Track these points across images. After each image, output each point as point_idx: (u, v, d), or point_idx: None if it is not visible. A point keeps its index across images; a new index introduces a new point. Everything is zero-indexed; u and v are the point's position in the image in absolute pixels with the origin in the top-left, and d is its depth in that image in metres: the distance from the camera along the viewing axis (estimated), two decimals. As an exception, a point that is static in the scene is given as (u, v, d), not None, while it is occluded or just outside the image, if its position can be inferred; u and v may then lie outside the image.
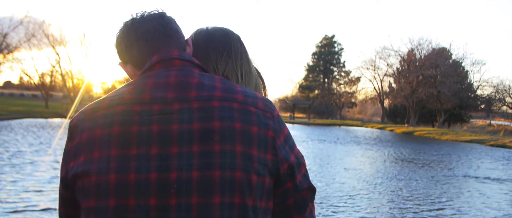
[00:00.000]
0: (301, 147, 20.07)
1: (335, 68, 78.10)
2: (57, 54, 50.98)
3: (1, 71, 64.49)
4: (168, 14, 1.26)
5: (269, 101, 1.20)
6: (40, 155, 13.71)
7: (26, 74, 57.45)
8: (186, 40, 1.29)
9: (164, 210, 1.01)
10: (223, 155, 1.05)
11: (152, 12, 1.24)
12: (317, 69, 78.21)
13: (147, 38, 1.20)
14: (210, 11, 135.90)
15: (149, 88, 1.11)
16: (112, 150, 1.05)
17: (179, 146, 1.04)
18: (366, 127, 48.19)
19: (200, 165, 1.03)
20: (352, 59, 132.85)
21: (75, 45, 57.94)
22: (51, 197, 8.14)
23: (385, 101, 60.57)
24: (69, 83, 52.11)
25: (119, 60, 1.29)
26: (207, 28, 1.36)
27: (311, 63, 78.99)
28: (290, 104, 63.81)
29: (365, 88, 64.76)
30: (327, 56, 77.24)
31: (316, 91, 74.70)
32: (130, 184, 1.02)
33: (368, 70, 60.89)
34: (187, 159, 1.03)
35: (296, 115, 67.14)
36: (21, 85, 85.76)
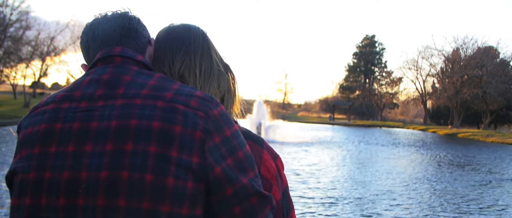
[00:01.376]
0: (338, 150, 19.84)
1: (376, 69, 77.00)
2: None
3: (49, 73, 66.89)
4: (132, 13, 1.24)
5: (209, 100, 1.09)
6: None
7: (72, 76, 59.52)
8: (150, 39, 1.27)
9: (71, 211, 0.98)
10: (134, 155, 0.98)
11: (115, 12, 1.23)
12: (357, 69, 77.31)
13: (103, 39, 1.18)
14: (248, 12, 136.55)
15: (83, 85, 1.10)
16: (35, 148, 1.04)
17: (93, 144, 1.00)
18: (408, 128, 47.19)
19: (109, 165, 0.98)
20: (394, 59, 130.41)
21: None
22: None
23: (427, 102, 59.03)
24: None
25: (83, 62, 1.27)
26: (169, 25, 1.32)
27: (351, 64, 78.18)
28: (330, 105, 63.24)
29: (407, 89, 63.18)
30: (368, 56, 76.22)
31: (357, 92, 73.79)
32: (44, 183, 1.00)
33: (410, 71, 59.48)
34: (98, 158, 0.99)
35: (336, 115, 66.53)
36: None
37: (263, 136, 23.74)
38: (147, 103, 1.04)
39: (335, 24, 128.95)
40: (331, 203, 8.39)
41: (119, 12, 1.23)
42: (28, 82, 68.97)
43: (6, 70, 47.98)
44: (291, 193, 8.26)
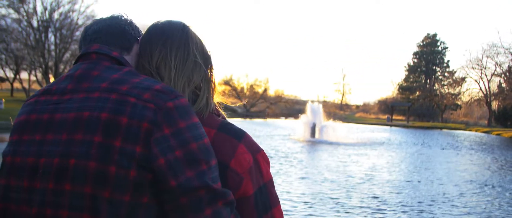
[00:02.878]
0: (394, 152, 19.33)
1: (438, 68, 74.55)
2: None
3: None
4: (125, 16, 1.36)
5: (167, 93, 1.14)
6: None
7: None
8: (138, 38, 1.35)
9: (30, 192, 1.10)
10: (82, 143, 1.07)
11: (109, 15, 1.35)
12: (418, 69, 75.11)
13: (91, 38, 1.29)
14: (307, 12, 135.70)
15: (60, 80, 1.21)
16: (15, 135, 1.18)
17: (54, 134, 1.11)
18: (470, 130, 45.19)
19: (61, 153, 1.08)
20: (457, 58, 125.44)
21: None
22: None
23: (492, 103, 56.32)
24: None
25: None
26: (155, 22, 1.37)
27: (412, 63, 76.01)
28: (389, 107, 61.72)
29: (470, 89, 60.55)
30: (429, 55, 73.90)
31: (417, 93, 71.72)
32: (15, 166, 1.13)
33: (474, 70, 57.13)
34: (55, 146, 1.10)
35: (395, 117, 64.85)
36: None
37: (317, 136, 23.56)
38: (102, 96, 1.12)
39: (396, 23, 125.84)
40: (381, 209, 8.18)
41: (113, 15, 1.34)
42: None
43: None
44: (342, 196, 8.06)
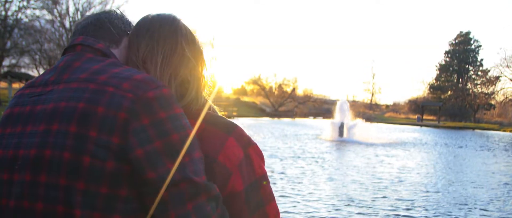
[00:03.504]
0: (423, 153, 18.92)
1: (470, 67, 72.84)
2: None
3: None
4: (118, 12, 1.34)
5: (148, 82, 1.10)
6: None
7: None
8: (127, 31, 1.33)
9: (10, 184, 1.08)
10: (57, 134, 1.04)
11: (100, 11, 1.33)
12: (450, 68, 73.70)
13: (80, 32, 1.27)
14: (337, 10, 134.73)
15: (46, 73, 1.20)
16: (0, 129, 1.16)
17: (33, 125, 1.09)
18: (504, 131, 43.98)
19: (38, 144, 1.06)
20: (491, 57, 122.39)
21: (206, 48, 61.20)
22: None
23: (529, 103, 54.64)
24: (200, 84, 55.03)
25: None
26: (145, 15, 1.33)
27: (443, 63, 74.56)
28: (419, 106, 60.67)
29: (505, 89, 58.96)
30: (462, 54, 72.38)
31: (449, 92, 70.26)
32: (4, 160, 1.10)
33: (509, 69, 55.52)
34: (33, 137, 1.07)
35: (425, 117, 63.72)
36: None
37: (345, 136, 23.33)
38: (80, 87, 1.09)
39: (427, 21, 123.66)
40: (410, 213, 7.95)
41: (104, 10, 1.33)
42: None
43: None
44: (369, 198, 7.87)
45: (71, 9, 45.12)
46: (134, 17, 1.35)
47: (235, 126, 1.25)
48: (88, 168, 1.01)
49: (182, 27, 1.28)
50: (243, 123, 38.08)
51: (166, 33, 1.25)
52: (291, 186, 9.41)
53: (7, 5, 32.60)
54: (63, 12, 41.96)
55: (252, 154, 1.24)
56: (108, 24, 1.28)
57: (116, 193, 1.03)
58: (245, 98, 75.03)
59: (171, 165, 1.04)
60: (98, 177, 1.01)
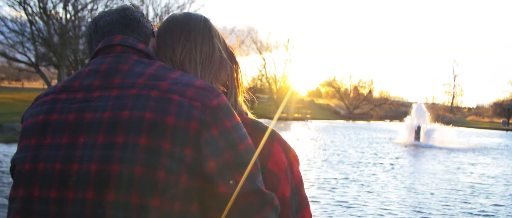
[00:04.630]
0: (509, 161, 17.66)
1: None
2: (263, 59, 54.91)
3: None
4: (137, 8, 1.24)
5: (209, 90, 1.04)
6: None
7: (237, 79, 63.32)
8: (153, 31, 1.26)
9: (61, 204, 0.96)
10: (125, 147, 0.95)
11: (119, 6, 1.23)
12: (540, 69, 68.42)
13: (105, 30, 1.17)
14: (415, 9, 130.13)
15: (82, 76, 1.08)
16: (32, 139, 1.04)
17: (86, 136, 0.98)
18: None
19: (100, 158, 0.95)
20: None
21: (280, 50, 61.74)
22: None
23: None
24: (274, 87, 55.47)
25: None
26: (171, 14, 1.28)
27: (533, 63, 69.47)
28: (505, 109, 57.08)
29: None
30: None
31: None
32: (37, 174, 0.99)
33: None
34: (90, 150, 0.96)
35: (512, 121, 59.69)
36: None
37: (422, 140, 22.42)
38: (142, 94, 1.00)
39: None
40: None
41: (124, 6, 1.23)
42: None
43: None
44: (448, 210, 7.42)
45: (150, 14, 46.99)
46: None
47: (275, 132, 1.21)
48: (162, 184, 0.93)
49: (214, 29, 1.24)
50: (316, 125, 37.71)
51: (202, 34, 1.20)
52: (361, 192, 9.10)
53: (93, 13, 34.47)
54: (143, 17, 43.70)
55: (292, 159, 1.22)
56: (136, 22, 1.20)
57: (187, 209, 0.97)
58: (320, 101, 74.49)
59: (240, 177, 1.00)
60: (172, 193, 0.95)
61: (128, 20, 1.18)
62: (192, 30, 1.20)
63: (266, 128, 1.20)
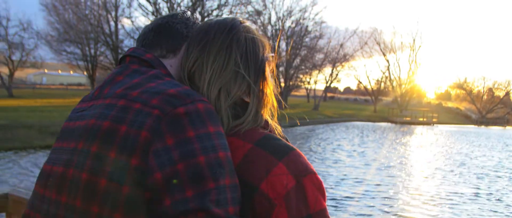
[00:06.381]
0: None
1: None
2: (387, 60, 53.21)
3: (340, 78, 71.63)
4: (187, 14, 1.23)
5: (182, 97, 0.98)
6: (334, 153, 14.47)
7: (359, 81, 62.24)
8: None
9: (42, 201, 1.05)
10: (80, 153, 0.99)
11: (169, 13, 1.24)
12: None
13: (140, 39, 1.21)
14: None
15: (97, 86, 1.16)
16: (54, 143, 1.14)
17: (68, 142, 1.05)
18: None
19: (65, 162, 1.02)
20: None
21: (405, 51, 59.33)
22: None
23: None
24: (398, 89, 53.49)
25: None
26: (208, 19, 1.22)
27: None
28: None
29: None
30: None
31: None
32: (45, 174, 1.07)
33: None
34: (64, 154, 1.04)
35: None
36: (358, 91, 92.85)
37: None
38: (112, 103, 1.02)
39: None
40: None
41: (172, 13, 1.23)
42: (321, 87, 75.27)
43: (302, 77, 53.52)
44: None
45: (273, 18, 48.09)
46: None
47: (291, 150, 1.05)
48: (103, 191, 0.93)
49: (240, 38, 1.13)
50: (443, 130, 35.52)
51: (219, 46, 1.12)
52: (495, 208, 8.37)
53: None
54: (265, 21, 44.92)
55: (307, 185, 1.02)
56: (168, 30, 1.18)
57: None
58: (448, 104, 70.23)
59: (191, 192, 0.91)
60: (112, 201, 0.92)
61: (161, 28, 1.19)
62: (210, 41, 1.13)
63: (278, 146, 1.06)
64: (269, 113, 1.18)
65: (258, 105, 1.13)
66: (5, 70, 38.02)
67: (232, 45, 1.12)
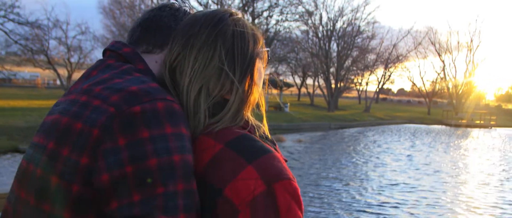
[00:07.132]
0: None
1: None
2: (442, 61, 51.55)
3: (393, 79, 69.93)
4: (176, 5, 1.19)
5: (139, 95, 0.94)
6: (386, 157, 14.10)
7: (412, 82, 60.62)
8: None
9: (12, 195, 1.04)
10: (39, 149, 0.98)
11: (159, 5, 1.21)
12: None
13: (129, 35, 1.19)
14: None
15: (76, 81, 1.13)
16: None
17: (37, 136, 1.03)
18: None
19: (29, 156, 1.01)
20: None
21: (462, 51, 57.07)
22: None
23: None
24: (453, 91, 51.69)
25: None
26: (194, 13, 1.15)
27: None
28: None
29: None
30: None
31: None
32: (20, 170, 1.05)
33: None
34: (31, 149, 1.02)
35: None
36: (412, 93, 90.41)
37: None
38: (75, 99, 1.00)
39: None
40: None
41: (162, 4, 1.19)
42: (373, 88, 73.81)
43: (354, 78, 52.76)
44: None
45: (324, 19, 47.68)
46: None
47: (265, 153, 0.98)
48: (54, 189, 0.91)
49: (227, 32, 1.06)
50: (500, 133, 33.97)
51: (203, 40, 1.04)
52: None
53: (268, 20, 36.41)
54: (316, 22, 44.60)
55: (279, 192, 0.93)
56: (154, 24, 1.15)
57: None
58: (509, 106, 67.08)
59: (138, 197, 0.87)
60: (62, 200, 0.90)
61: (148, 23, 1.16)
62: (194, 35, 1.05)
63: (251, 147, 0.99)
64: (252, 111, 1.12)
65: (240, 105, 1.07)
66: (63, 72, 39.67)
67: (217, 40, 1.05)
